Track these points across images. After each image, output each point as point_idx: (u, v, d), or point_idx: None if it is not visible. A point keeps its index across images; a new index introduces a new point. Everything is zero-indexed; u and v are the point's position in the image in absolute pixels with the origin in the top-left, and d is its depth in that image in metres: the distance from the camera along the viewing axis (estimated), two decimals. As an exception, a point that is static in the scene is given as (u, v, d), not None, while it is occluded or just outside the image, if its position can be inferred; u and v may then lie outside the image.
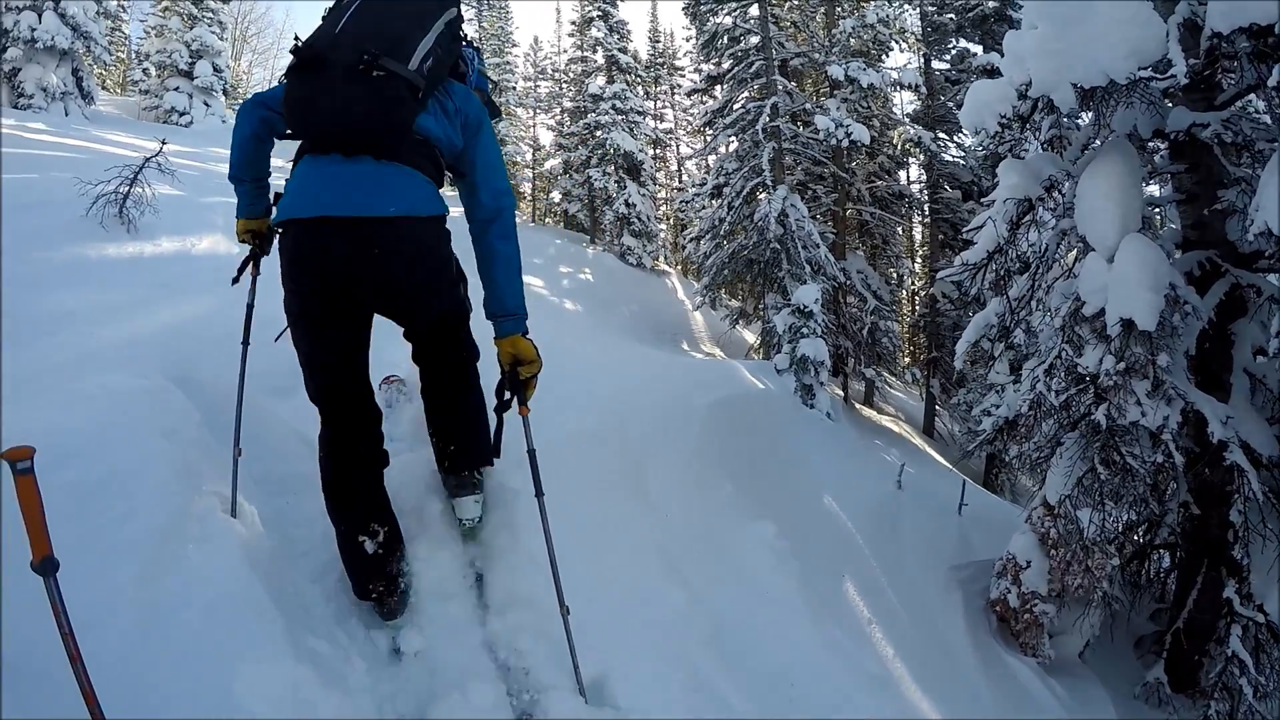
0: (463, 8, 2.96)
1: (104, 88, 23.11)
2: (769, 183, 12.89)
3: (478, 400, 3.01)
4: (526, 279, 2.94)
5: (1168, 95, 3.91)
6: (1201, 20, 3.49)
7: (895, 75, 13.68)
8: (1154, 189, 4.62)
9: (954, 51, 15.91)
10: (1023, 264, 4.78)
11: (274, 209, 2.65)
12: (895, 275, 17.04)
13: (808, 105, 14.38)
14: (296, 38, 2.45)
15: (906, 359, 18.56)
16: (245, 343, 3.26)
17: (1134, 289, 3.53)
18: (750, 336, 16.45)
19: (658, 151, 29.15)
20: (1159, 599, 4.98)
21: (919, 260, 22.54)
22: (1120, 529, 4.44)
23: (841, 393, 13.84)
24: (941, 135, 15.30)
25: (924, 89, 14.68)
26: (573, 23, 26.04)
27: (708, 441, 4.78)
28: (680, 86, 31.97)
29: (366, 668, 2.71)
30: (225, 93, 21.90)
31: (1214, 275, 4.15)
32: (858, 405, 14.24)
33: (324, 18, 2.56)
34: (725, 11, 15.00)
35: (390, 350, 3.36)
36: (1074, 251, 4.49)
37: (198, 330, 4.28)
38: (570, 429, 4.15)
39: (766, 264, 12.80)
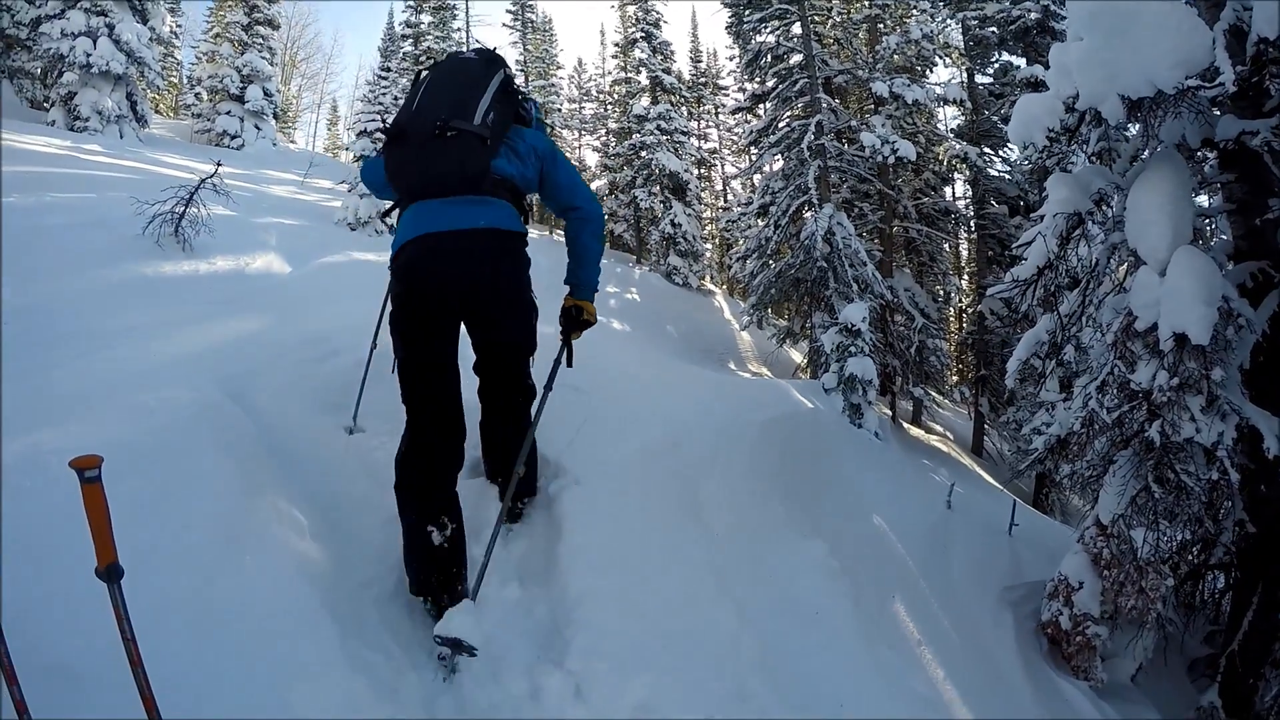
0: (511, 44, 3.65)
1: (157, 111, 23.77)
2: (815, 201, 12.86)
3: (526, 434, 3.32)
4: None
5: (1215, 104, 3.83)
6: (1247, 26, 3.43)
7: (939, 90, 13.63)
8: (1203, 199, 4.53)
9: (997, 65, 15.76)
10: (1072, 279, 4.71)
11: None
12: (942, 292, 16.87)
13: (852, 122, 14.37)
14: (383, 119, 3.10)
15: (954, 377, 18.33)
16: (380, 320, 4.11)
17: (1187, 302, 3.46)
18: (797, 356, 16.38)
19: (702, 171, 29.31)
20: (1213, 621, 4.84)
21: (966, 277, 22.29)
22: (1174, 549, 4.34)
23: (889, 412, 13.71)
24: (987, 150, 15.15)
25: (968, 104, 14.57)
26: (616, 44, 26.29)
27: (759, 460, 4.76)
28: (724, 106, 32.09)
29: (419, 679, 2.75)
30: (276, 116, 22.43)
31: (1267, 286, 4.05)
32: (905, 424, 14.10)
33: (404, 100, 3.25)
34: (768, 30, 15.05)
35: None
36: (1124, 265, 4.41)
37: (253, 348, 4.39)
38: (631, 447, 4.25)
39: (813, 282, 12.77)
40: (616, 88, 27.32)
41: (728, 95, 32.14)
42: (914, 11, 14.45)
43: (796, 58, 14.63)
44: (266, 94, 21.19)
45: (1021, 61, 14.99)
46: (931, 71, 14.68)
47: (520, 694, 2.74)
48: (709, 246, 28.29)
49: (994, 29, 15.08)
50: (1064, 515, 11.97)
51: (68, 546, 2.09)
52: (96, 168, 8.65)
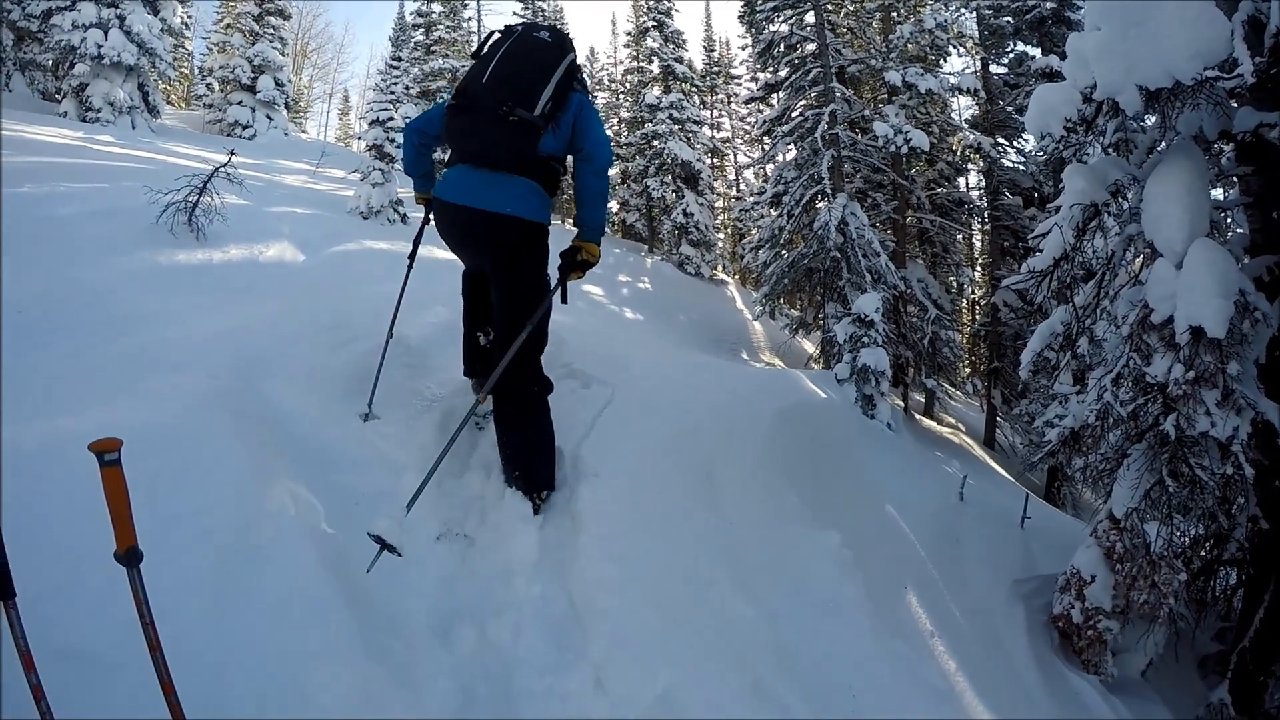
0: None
1: (169, 102, 23.79)
2: (828, 191, 12.78)
3: (540, 428, 3.65)
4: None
5: (1233, 95, 3.80)
6: (1266, 17, 3.40)
7: (953, 80, 13.53)
8: (1219, 193, 4.49)
9: (1011, 55, 15.66)
10: (1087, 271, 4.69)
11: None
12: (956, 284, 16.81)
13: (866, 112, 14.30)
14: (456, 85, 3.59)
15: (967, 369, 18.26)
16: (410, 266, 4.52)
17: (1203, 295, 3.44)
18: (809, 346, 16.32)
19: (715, 161, 29.16)
20: (1224, 618, 4.82)
21: (979, 268, 22.19)
22: (1187, 544, 4.32)
23: (902, 403, 13.67)
24: (1001, 141, 15.05)
25: (982, 94, 14.47)
26: (628, 33, 26.17)
27: (773, 450, 4.77)
28: (736, 95, 31.96)
29: (435, 667, 2.77)
30: (287, 106, 22.44)
31: (1284, 280, 4.03)
32: (918, 416, 14.05)
33: (473, 62, 3.62)
34: (782, 19, 14.95)
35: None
36: (1140, 258, 4.39)
37: (268, 335, 4.39)
38: (649, 438, 4.26)
39: (826, 273, 12.71)
40: (628, 77, 27.22)
41: (740, 84, 31.99)
42: (928, 1, 14.35)
43: (810, 47, 14.53)
44: (278, 84, 21.18)
45: (1037, 52, 14.89)
46: (945, 61, 14.56)
47: (542, 685, 2.75)
48: (721, 236, 28.23)
49: (1009, 18, 14.98)
50: (1075, 509, 11.93)
51: (86, 530, 2.10)
52: (109, 158, 8.64)
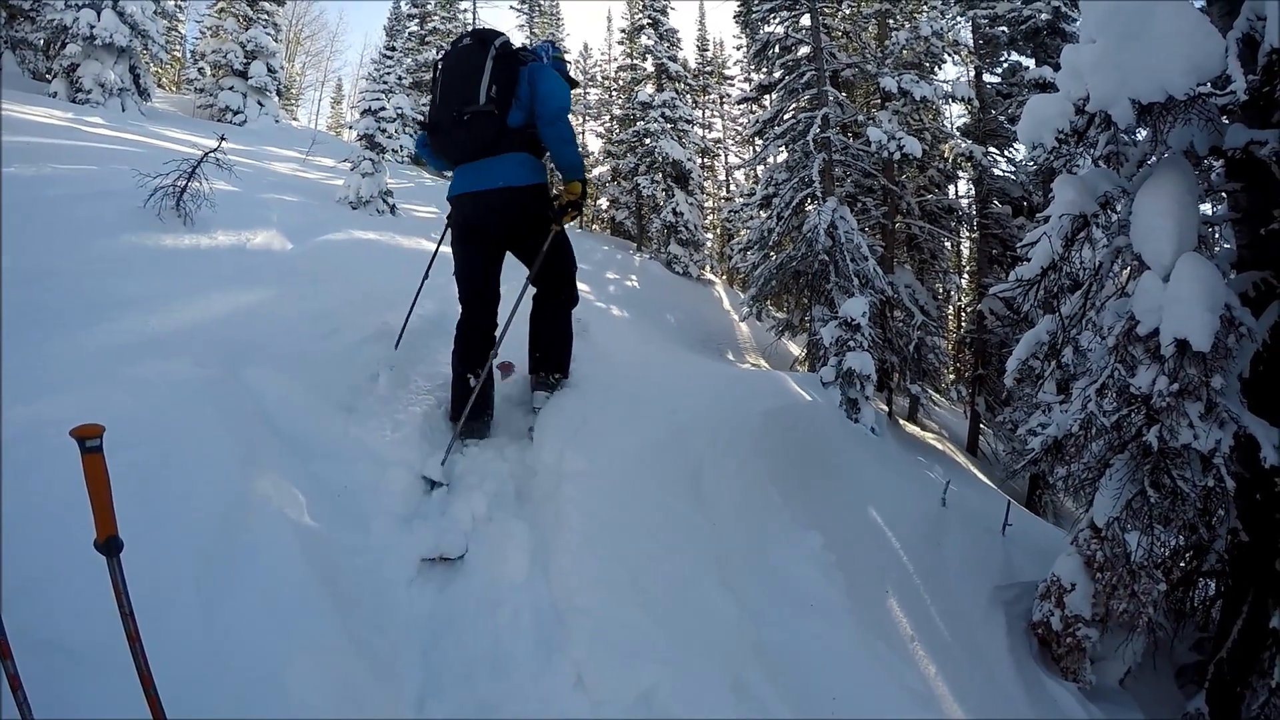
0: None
1: (160, 85, 23.52)
2: (819, 194, 12.82)
3: (564, 330, 4.52)
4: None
5: (1225, 112, 3.82)
6: (1260, 36, 3.42)
7: (947, 88, 13.62)
8: (1208, 207, 4.53)
9: (1006, 65, 15.72)
10: (1074, 281, 4.71)
11: None
12: (942, 290, 16.86)
13: (859, 117, 14.32)
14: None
15: (952, 375, 18.35)
16: (436, 251, 5.14)
17: (1189, 309, 3.47)
18: (795, 348, 16.36)
19: (706, 161, 29.16)
20: (1202, 628, 4.85)
21: (967, 276, 22.29)
22: (1168, 554, 4.35)
23: (886, 407, 13.73)
24: (992, 149, 15.13)
25: (975, 102, 14.55)
26: (623, 30, 26.25)
27: (760, 451, 4.77)
28: (729, 96, 31.98)
29: (418, 661, 2.76)
30: (279, 93, 22.27)
31: (1269, 296, 4.05)
32: (902, 421, 14.11)
33: (430, 94, 4.26)
34: (777, 20, 14.98)
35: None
36: (1128, 269, 4.41)
37: (254, 323, 4.37)
38: (637, 437, 4.26)
39: (814, 276, 12.73)
40: (622, 74, 27.22)
41: (733, 85, 32.03)
42: (924, 8, 14.41)
43: (804, 50, 14.56)
44: (270, 70, 20.99)
45: (1030, 62, 14.96)
46: (940, 68, 14.64)
47: (523, 683, 2.75)
48: (710, 236, 28.25)
49: (1004, 28, 15.04)
50: (1056, 517, 12.03)
51: (67, 519, 2.08)
52: (98, 140, 8.55)
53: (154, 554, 2.40)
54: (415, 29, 26.78)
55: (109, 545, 1.75)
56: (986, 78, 15.72)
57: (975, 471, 12.95)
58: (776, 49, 15.13)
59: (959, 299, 20.41)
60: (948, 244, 17.33)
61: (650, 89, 22.71)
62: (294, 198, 9.03)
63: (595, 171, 27.43)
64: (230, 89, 20.38)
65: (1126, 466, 4.06)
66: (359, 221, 9.70)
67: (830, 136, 13.22)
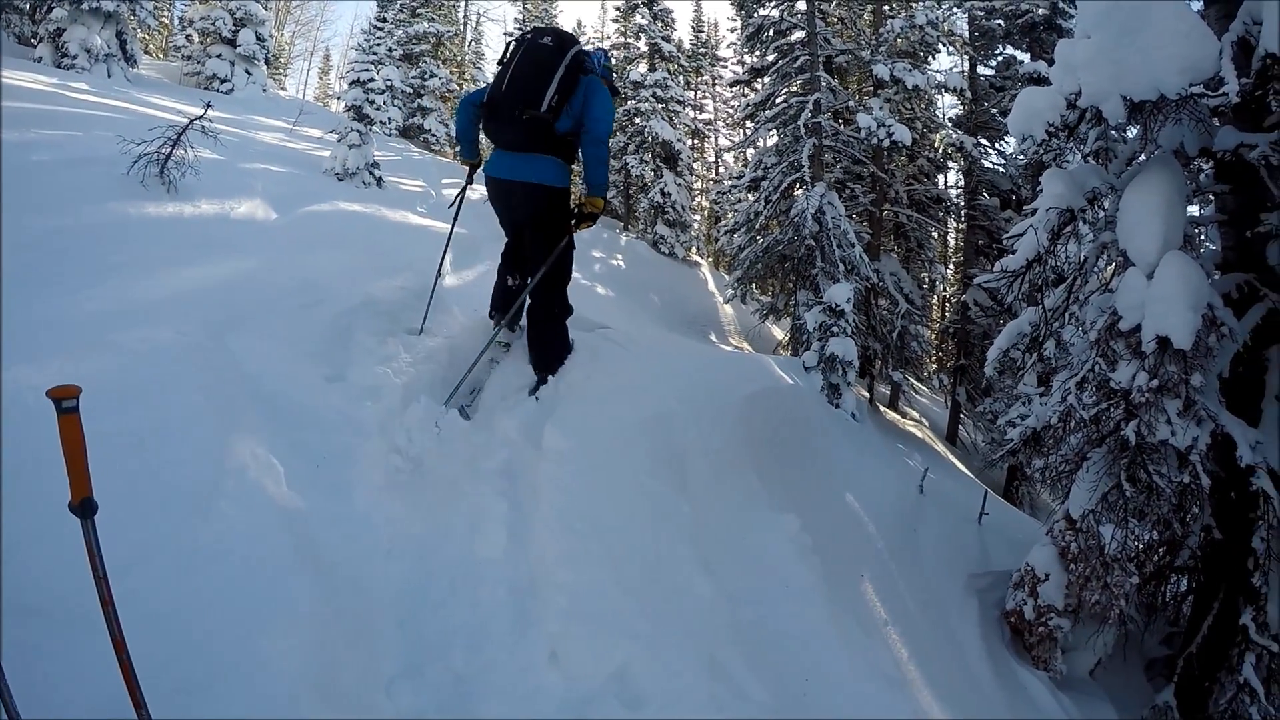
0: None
1: (146, 52, 23.08)
2: (807, 179, 12.81)
3: (555, 334, 4.84)
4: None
5: (1216, 114, 3.84)
6: (1255, 40, 3.43)
7: (940, 78, 13.57)
8: (1195, 208, 4.56)
9: (1000, 58, 15.72)
10: (1058, 275, 4.74)
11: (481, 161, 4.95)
12: (928, 279, 16.89)
13: (850, 103, 14.30)
14: (488, 90, 4.61)
15: (934, 364, 18.43)
16: (455, 214, 5.35)
17: (1172, 306, 3.50)
18: (779, 332, 16.39)
19: (696, 142, 29.04)
20: (1173, 623, 4.92)
21: (952, 266, 22.36)
22: (1141, 548, 4.41)
23: (867, 394, 13.79)
24: (983, 141, 15.15)
25: (968, 94, 14.53)
26: (617, 9, 25.93)
27: (741, 433, 4.80)
28: (722, 78, 31.72)
29: (394, 634, 2.78)
30: (267, 62, 21.93)
31: (1252, 298, 4.09)
32: (882, 408, 14.18)
33: (497, 69, 4.64)
34: (772, 4, 14.88)
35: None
36: (1112, 265, 4.44)
37: (237, 292, 4.35)
38: (619, 418, 4.32)
39: (800, 260, 12.75)
40: (615, 52, 27.02)
41: (726, 67, 31.82)
42: (921, -4, 14.37)
43: (799, 34, 14.49)
44: (259, 39, 20.63)
45: (1025, 56, 14.98)
46: (934, 58, 14.59)
47: (498, 657, 2.77)
48: (697, 218, 28.16)
49: (1000, 21, 15.03)
50: (1033, 509, 12.14)
51: (43, 482, 2.06)
52: (83, 106, 8.41)
53: (132, 520, 2.40)
54: (407, 1, 26.49)
55: (84, 507, 1.74)
56: (980, 70, 15.71)
57: (954, 460, 13.04)
58: (771, 32, 15.05)
59: (944, 289, 20.45)
60: (935, 234, 17.37)
61: (643, 68, 22.54)
62: (280, 168, 8.95)
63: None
64: (218, 57, 20.03)
65: (1104, 460, 4.10)
66: (345, 193, 9.65)
67: (821, 122, 13.20)
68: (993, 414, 11.63)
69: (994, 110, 15.08)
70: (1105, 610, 4.25)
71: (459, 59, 28.21)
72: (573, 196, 4.81)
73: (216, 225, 5.56)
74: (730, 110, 30.93)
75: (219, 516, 2.69)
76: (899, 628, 3.95)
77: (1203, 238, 4.56)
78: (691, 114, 27.97)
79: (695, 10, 32.10)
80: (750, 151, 18.09)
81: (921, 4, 13.70)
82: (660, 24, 22.68)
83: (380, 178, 11.61)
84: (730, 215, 20.43)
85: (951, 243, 24.06)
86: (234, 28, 20.22)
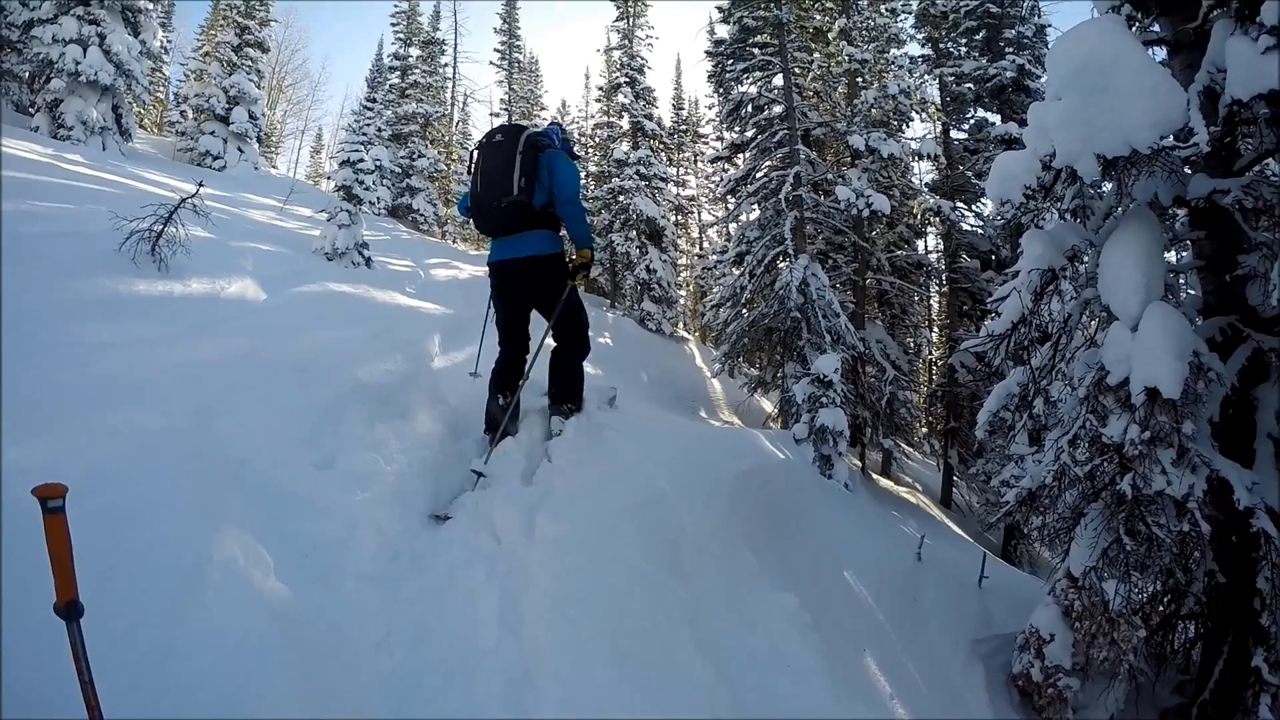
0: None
1: (141, 126, 23.49)
2: (790, 251, 12.96)
3: (575, 370, 5.32)
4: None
5: (1188, 163, 3.92)
6: (1220, 88, 3.52)
7: (915, 145, 13.86)
8: (1173, 256, 4.61)
9: (972, 120, 16.09)
10: (1043, 334, 4.76)
11: None
12: (913, 344, 17.01)
13: (829, 174, 14.53)
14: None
15: (924, 429, 18.42)
16: (487, 313, 5.65)
17: (1158, 357, 3.51)
18: (768, 405, 16.38)
19: (679, 218, 29.45)
20: (1184, 670, 4.84)
21: (937, 329, 22.51)
22: (1145, 600, 4.35)
23: (859, 463, 13.75)
24: (960, 204, 15.41)
25: (943, 159, 14.84)
26: (600, 88, 26.53)
27: (735, 511, 4.78)
28: (703, 153, 32.37)
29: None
30: (259, 140, 22.27)
31: (1236, 340, 4.12)
32: (875, 475, 14.12)
33: (471, 172, 5.06)
34: (750, 81, 15.26)
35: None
36: (1096, 320, 4.47)
37: (225, 374, 4.28)
38: (613, 499, 4.29)
39: (786, 332, 12.83)
40: (598, 131, 27.45)
41: (708, 143, 32.41)
42: (892, 67, 14.74)
43: (777, 109, 14.80)
44: (251, 117, 20.97)
45: (996, 118, 15.33)
46: (908, 126, 14.92)
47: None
48: (683, 293, 28.40)
49: (970, 85, 15.42)
50: (1033, 567, 12.01)
51: (28, 574, 2.01)
52: (77, 178, 8.43)
53: (115, 610, 2.34)
54: (396, 81, 27.06)
55: (69, 610, 1.70)
56: (953, 134, 16.08)
57: (950, 524, 12.95)
58: (750, 108, 15.39)
59: (930, 353, 20.58)
60: (918, 298, 17.53)
61: (626, 146, 22.96)
62: (270, 246, 8.98)
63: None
64: (211, 133, 20.34)
65: (1101, 515, 4.07)
66: (334, 273, 9.66)
67: (802, 194, 13.42)
68: (986, 475, 11.56)
69: (969, 173, 15.37)
70: (1114, 666, 4.18)
71: (446, 139, 28.77)
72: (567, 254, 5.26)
73: (207, 305, 5.53)
74: (712, 185, 31.40)
75: (203, 609, 2.61)
76: (904, 700, 3.88)
77: (1183, 284, 4.61)
78: (675, 190, 28.44)
79: (675, 88, 32.93)
80: (733, 226, 18.29)
81: (893, 74, 14.06)
82: (642, 102, 23.18)
83: (369, 258, 11.67)
84: (715, 290, 20.60)
85: (935, 306, 24.27)
86: (228, 105, 20.57)
